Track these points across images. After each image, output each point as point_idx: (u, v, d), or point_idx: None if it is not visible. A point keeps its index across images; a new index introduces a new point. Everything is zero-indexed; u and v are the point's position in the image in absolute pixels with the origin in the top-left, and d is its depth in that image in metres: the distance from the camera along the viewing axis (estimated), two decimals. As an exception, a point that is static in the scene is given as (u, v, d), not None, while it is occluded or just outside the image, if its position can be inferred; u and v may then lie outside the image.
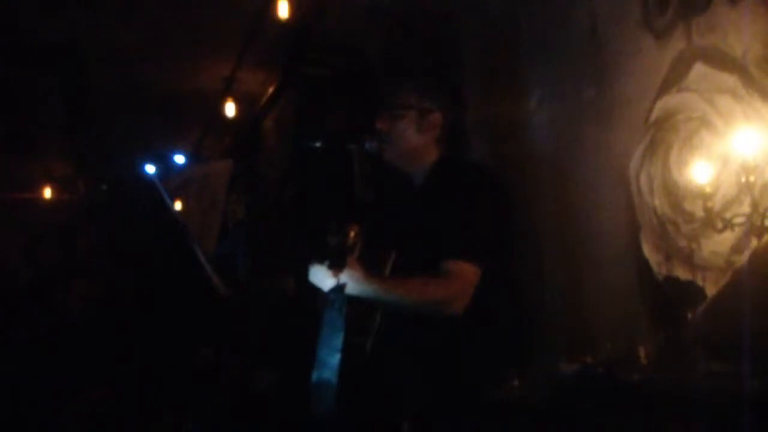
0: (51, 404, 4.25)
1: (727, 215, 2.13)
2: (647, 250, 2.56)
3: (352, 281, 2.14)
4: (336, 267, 2.09)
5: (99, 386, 4.39)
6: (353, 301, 2.19)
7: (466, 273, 2.24)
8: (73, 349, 4.66)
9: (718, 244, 2.25)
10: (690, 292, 2.35)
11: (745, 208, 2.06)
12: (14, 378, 4.35)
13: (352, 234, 2.18)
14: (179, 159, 6.21)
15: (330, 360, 2.10)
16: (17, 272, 6.03)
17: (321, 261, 2.13)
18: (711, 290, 2.28)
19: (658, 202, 2.52)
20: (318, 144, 3.99)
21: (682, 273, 2.41)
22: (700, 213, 2.25)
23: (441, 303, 2.24)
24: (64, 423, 4.26)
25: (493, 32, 3.56)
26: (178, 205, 5.47)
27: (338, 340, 2.11)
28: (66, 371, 4.47)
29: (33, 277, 5.81)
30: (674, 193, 2.45)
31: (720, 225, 2.12)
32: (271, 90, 5.50)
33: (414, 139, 2.48)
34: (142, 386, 4.40)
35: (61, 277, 5.61)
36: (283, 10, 4.06)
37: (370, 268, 2.24)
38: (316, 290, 2.25)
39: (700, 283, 2.32)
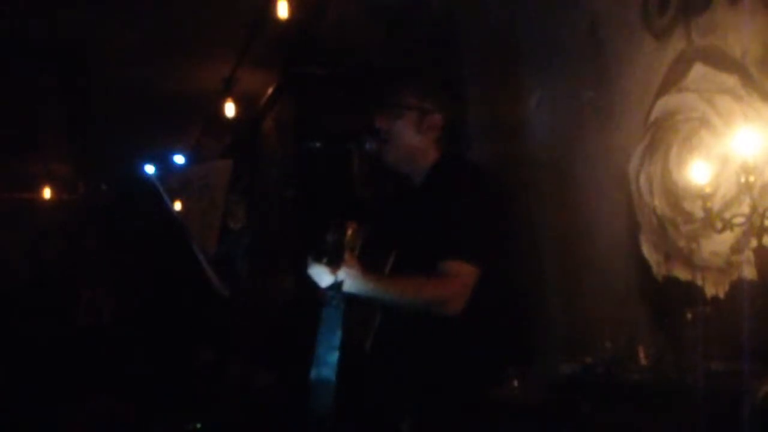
0: (53, 411, 4.25)
1: (727, 215, 2.13)
2: (647, 250, 2.56)
3: (349, 279, 2.14)
4: (333, 264, 2.09)
5: (101, 394, 4.39)
6: (353, 299, 2.19)
7: (463, 273, 2.23)
8: (76, 354, 4.66)
9: (717, 244, 2.25)
10: (690, 292, 2.35)
11: (745, 209, 2.06)
12: (16, 384, 4.35)
13: (350, 231, 2.18)
14: (179, 159, 6.20)
15: (329, 358, 2.10)
16: (18, 272, 6.03)
17: (319, 258, 2.13)
18: (711, 290, 2.28)
19: (658, 202, 2.52)
20: (318, 144, 3.98)
21: (681, 273, 2.41)
22: (699, 213, 2.25)
23: (437, 303, 2.24)
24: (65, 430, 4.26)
25: (493, 32, 3.56)
26: (178, 205, 5.46)
27: (337, 338, 2.11)
28: (68, 377, 4.47)
29: (34, 279, 5.80)
30: (674, 193, 2.45)
31: (719, 225, 2.12)
32: (271, 90, 5.50)
33: (413, 139, 2.48)
34: (142, 388, 4.40)
35: (62, 280, 5.61)
36: (283, 10, 4.06)
37: (370, 267, 2.24)
38: (315, 288, 2.25)
39: (699, 283, 2.32)
